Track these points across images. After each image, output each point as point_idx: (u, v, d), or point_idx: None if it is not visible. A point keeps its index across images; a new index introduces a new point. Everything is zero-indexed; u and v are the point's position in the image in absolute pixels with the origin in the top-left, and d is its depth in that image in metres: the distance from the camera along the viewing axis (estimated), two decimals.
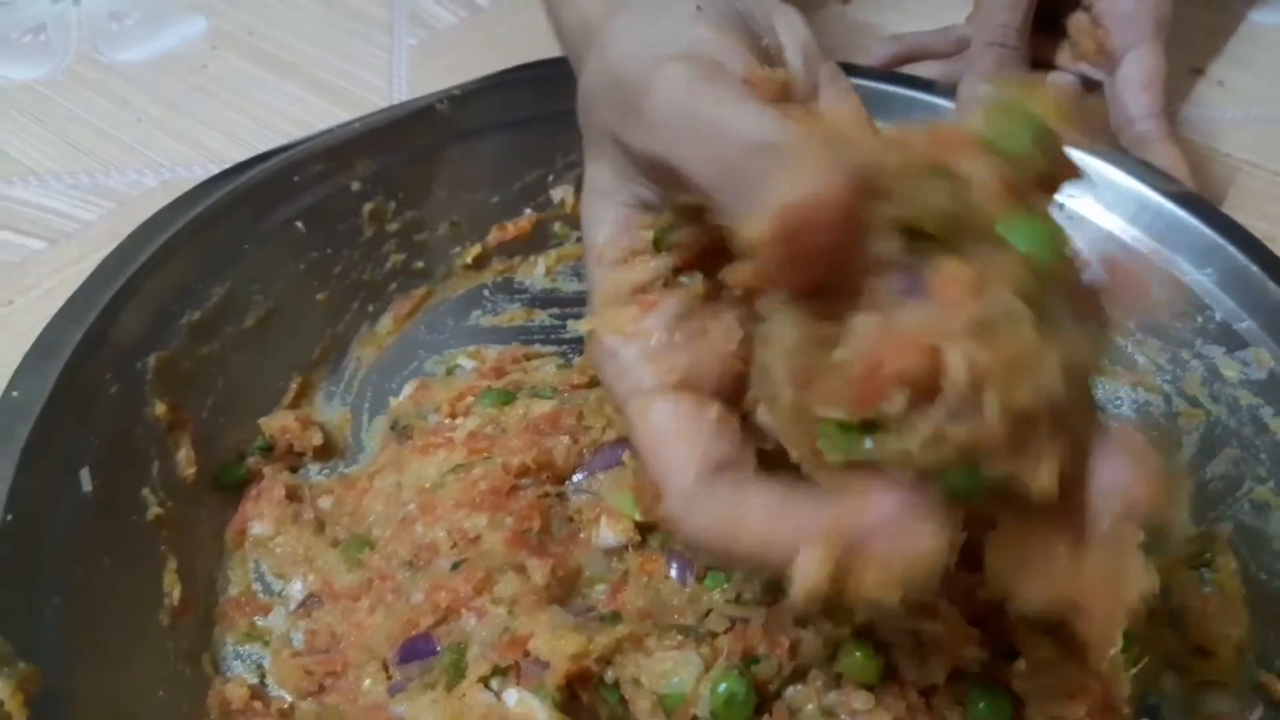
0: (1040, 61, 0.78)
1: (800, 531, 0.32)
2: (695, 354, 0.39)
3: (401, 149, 0.69)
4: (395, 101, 0.84)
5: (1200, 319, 0.63)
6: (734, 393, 0.39)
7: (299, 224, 0.65)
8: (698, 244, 0.39)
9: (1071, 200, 0.68)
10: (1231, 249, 0.63)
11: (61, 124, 0.87)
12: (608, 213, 0.41)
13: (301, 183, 0.66)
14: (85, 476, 0.53)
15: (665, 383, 0.38)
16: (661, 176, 0.38)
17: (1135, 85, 0.74)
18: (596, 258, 0.41)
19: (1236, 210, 0.65)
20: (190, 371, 0.60)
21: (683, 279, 0.40)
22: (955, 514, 0.32)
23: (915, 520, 0.31)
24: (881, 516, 0.31)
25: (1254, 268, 0.61)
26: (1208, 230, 0.64)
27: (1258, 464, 0.59)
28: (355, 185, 0.67)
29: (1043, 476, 0.31)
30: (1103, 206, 0.68)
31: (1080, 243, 0.39)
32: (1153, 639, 0.55)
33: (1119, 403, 0.67)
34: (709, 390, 0.38)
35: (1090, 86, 0.79)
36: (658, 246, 0.40)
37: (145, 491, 0.55)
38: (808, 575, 0.31)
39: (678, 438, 0.37)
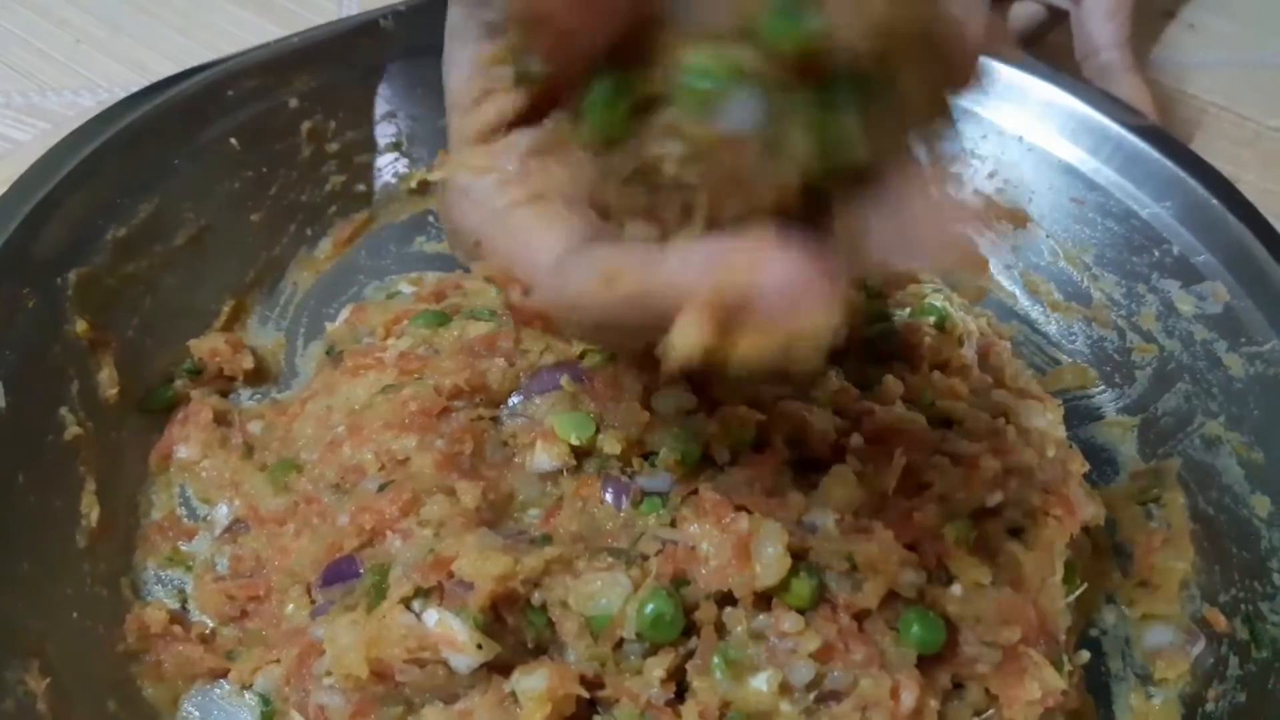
0: None
1: (683, 278, 0.30)
2: (548, 177, 0.37)
3: (342, 66, 0.67)
4: None
5: (1157, 252, 0.62)
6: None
7: (233, 141, 0.63)
8: (552, 78, 0.36)
9: (1032, 132, 0.67)
10: (1192, 182, 0.61)
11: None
12: (462, 53, 0.39)
13: (236, 98, 0.63)
14: None
15: (522, 198, 0.37)
16: None
17: (1100, 14, 0.72)
18: (451, 103, 0.40)
19: (1203, 152, 0.64)
20: (114, 290, 0.57)
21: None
22: (848, 293, 0.29)
23: (810, 289, 0.28)
24: (775, 278, 0.28)
25: (1214, 201, 0.60)
26: (1168, 163, 0.63)
27: (1210, 399, 0.58)
28: (293, 102, 0.65)
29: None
30: (1064, 138, 0.66)
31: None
32: (1096, 571, 0.55)
33: (1073, 338, 0.66)
34: (555, 203, 0.37)
35: (1057, 17, 0.77)
36: (518, 81, 0.38)
37: (63, 411, 0.53)
38: (688, 336, 0.29)
39: (538, 228, 0.36)
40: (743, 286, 0.29)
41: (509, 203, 0.37)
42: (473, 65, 0.39)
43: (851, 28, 0.29)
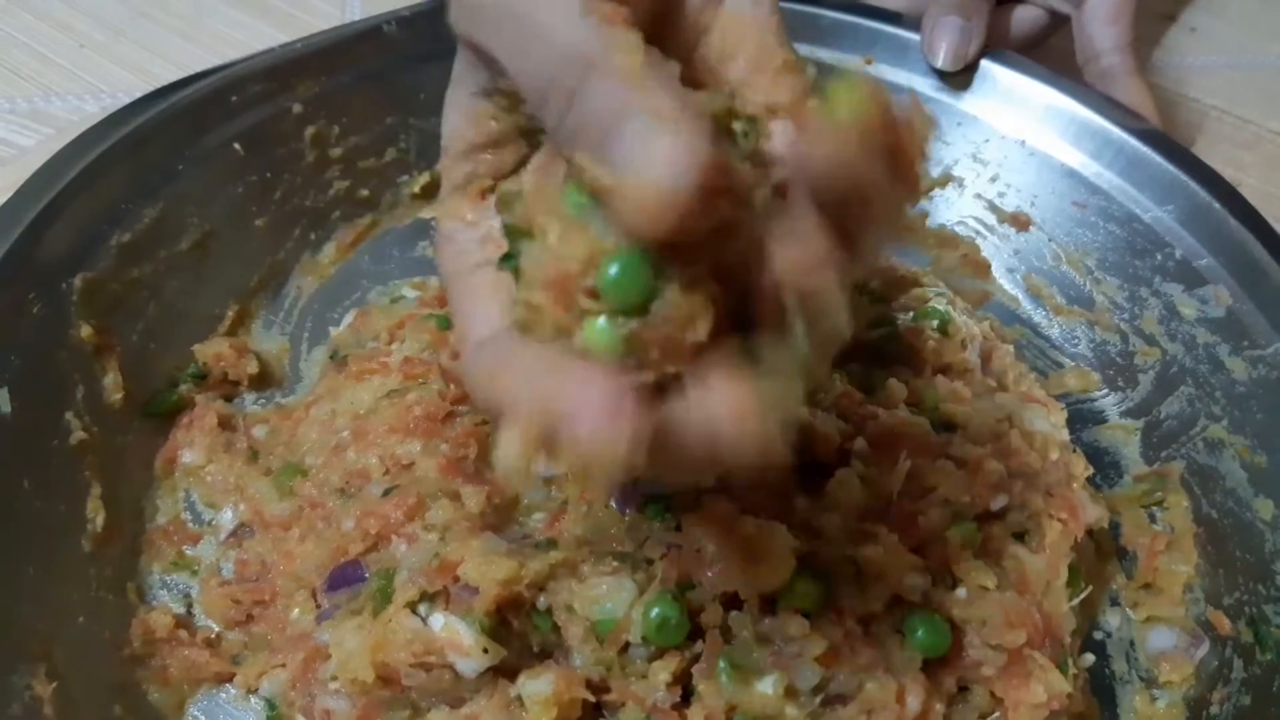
0: None
1: (516, 392, 0.32)
2: None
3: (346, 71, 0.67)
4: None
5: (1160, 256, 0.62)
6: None
7: (237, 146, 0.63)
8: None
9: (1034, 137, 0.67)
10: (1194, 185, 0.62)
11: (2, 48, 0.84)
12: (459, 101, 0.39)
13: (240, 103, 0.64)
14: (4, 397, 0.51)
15: (485, 260, 0.38)
16: (485, 60, 0.37)
17: (1102, 18, 0.72)
18: (444, 148, 0.40)
19: (1205, 156, 0.64)
20: (119, 294, 0.58)
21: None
22: (652, 415, 0.31)
23: (609, 416, 0.30)
24: (578, 404, 0.30)
25: (1216, 205, 0.60)
26: (1170, 166, 0.63)
27: (1212, 402, 0.58)
28: (297, 108, 0.65)
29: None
30: (1066, 142, 0.66)
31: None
32: (1100, 574, 0.55)
33: (1076, 341, 0.66)
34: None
35: (1058, 20, 0.77)
36: (500, 143, 0.39)
37: (69, 415, 0.53)
38: (504, 448, 0.31)
39: (485, 298, 0.37)
40: (554, 411, 0.31)
41: (477, 262, 0.38)
42: (466, 116, 0.39)
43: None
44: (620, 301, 0.30)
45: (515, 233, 0.34)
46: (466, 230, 0.39)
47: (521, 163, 0.39)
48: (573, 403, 0.30)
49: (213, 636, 0.52)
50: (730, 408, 0.31)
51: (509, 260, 0.34)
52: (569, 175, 0.32)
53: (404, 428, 0.52)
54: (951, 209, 0.71)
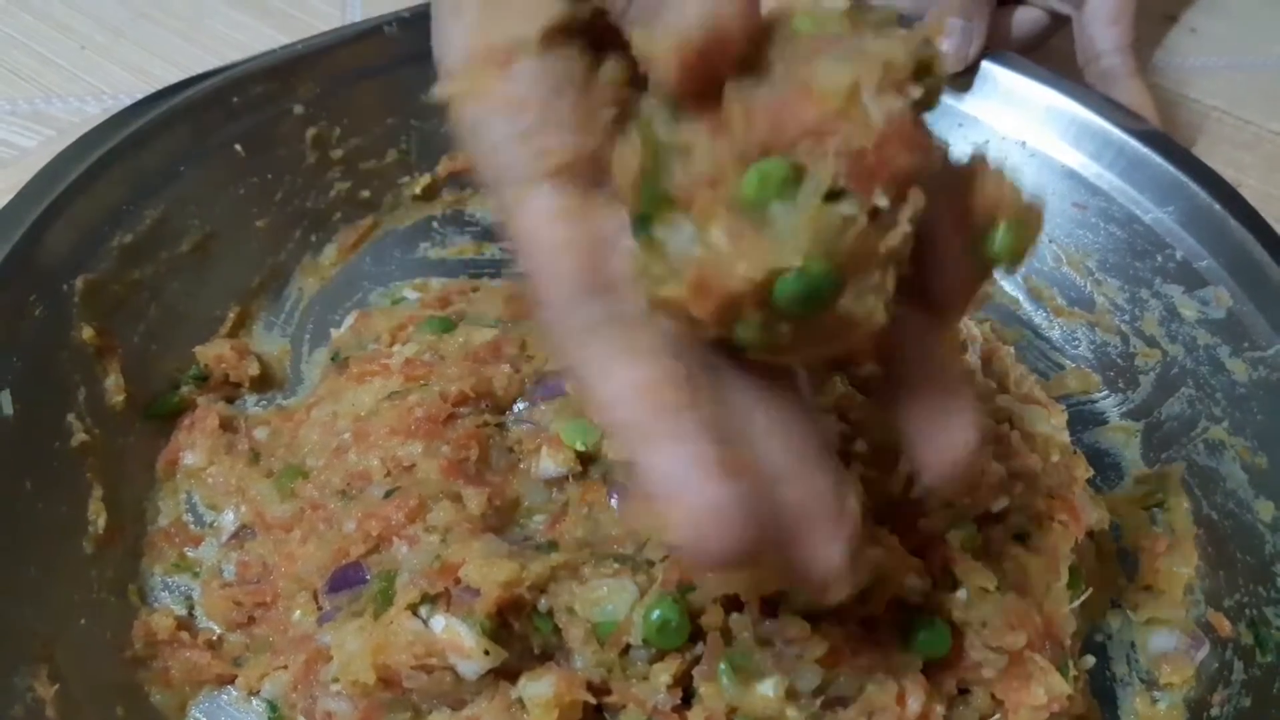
0: None
1: (621, 424, 0.31)
2: (576, 135, 0.32)
3: (347, 73, 0.67)
4: None
5: (1160, 257, 0.62)
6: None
7: (238, 147, 0.63)
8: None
9: (1035, 138, 0.67)
10: (1194, 187, 0.62)
11: (2, 50, 0.84)
12: None
13: (241, 104, 0.64)
14: (6, 399, 0.51)
15: (542, 169, 0.32)
16: None
17: (1102, 19, 0.72)
18: (456, 3, 0.33)
19: (1205, 157, 0.64)
20: (121, 296, 0.58)
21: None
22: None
23: (727, 524, 0.29)
24: (686, 492, 0.29)
25: (1216, 206, 0.60)
26: (1170, 168, 0.63)
27: (1213, 404, 0.58)
28: (298, 109, 0.65)
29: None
30: (1066, 143, 0.67)
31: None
32: (1100, 576, 0.55)
33: (1077, 343, 0.66)
34: (594, 177, 0.32)
35: (1059, 21, 0.77)
36: None
37: (70, 417, 0.53)
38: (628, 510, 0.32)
39: (562, 239, 0.32)
40: (662, 482, 0.30)
41: (530, 172, 0.32)
42: None
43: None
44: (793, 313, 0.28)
45: (657, 198, 0.29)
46: (496, 121, 0.32)
47: (568, 23, 0.32)
48: (681, 487, 0.29)
49: (214, 638, 0.52)
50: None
51: (643, 228, 0.30)
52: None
53: (405, 429, 0.52)
54: None
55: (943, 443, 0.33)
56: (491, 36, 0.32)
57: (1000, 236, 0.33)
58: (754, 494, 0.30)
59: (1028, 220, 0.33)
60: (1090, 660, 0.52)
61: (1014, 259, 0.33)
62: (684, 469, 0.29)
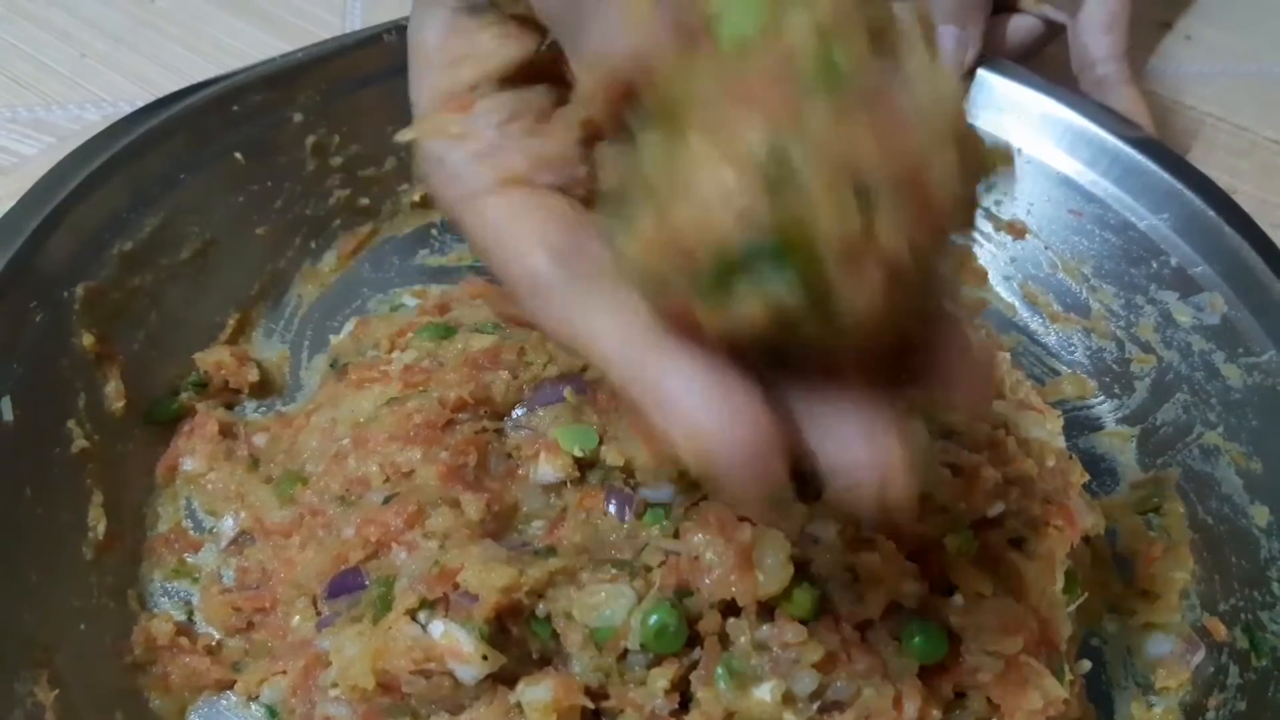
0: (1003, 5, 0.77)
1: (619, 370, 0.30)
2: (530, 153, 0.34)
3: (346, 81, 0.67)
4: None
5: (1155, 264, 0.62)
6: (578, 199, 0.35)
7: (238, 155, 0.63)
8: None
9: (1030, 145, 0.67)
10: (1189, 194, 0.62)
11: (2, 57, 0.84)
12: (436, 17, 0.36)
13: (241, 112, 0.64)
14: (6, 406, 0.51)
15: (497, 180, 0.34)
16: None
17: (1097, 27, 0.72)
18: (423, 61, 0.36)
19: (1200, 163, 0.64)
20: (121, 303, 0.58)
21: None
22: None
23: (752, 448, 0.29)
24: (706, 422, 0.29)
25: (1210, 212, 0.61)
26: (1165, 175, 0.63)
27: (1208, 409, 0.58)
28: (297, 117, 0.65)
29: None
30: (1061, 150, 0.67)
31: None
32: (1096, 581, 0.55)
33: (1072, 349, 0.66)
34: (548, 187, 0.34)
35: (1054, 30, 0.78)
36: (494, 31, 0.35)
37: (71, 423, 0.53)
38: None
39: (519, 223, 0.33)
40: (676, 420, 0.29)
41: (485, 185, 0.34)
42: (448, 27, 0.36)
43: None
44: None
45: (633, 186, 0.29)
46: (454, 148, 0.34)
47: (517, 68, 0.35)
48: (699, 419, 0.29)
49: (214, 644, 0.52)
50: (885, 461, 0.29)
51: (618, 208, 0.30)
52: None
53: (404, 436, 0.52)
54: None
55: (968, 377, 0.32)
56: (454, 84, 0.35)
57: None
58: (768, 404, 0.29)
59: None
60: (1086, 665, 0.52)
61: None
62: (698, 391, 0.29)
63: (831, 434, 0.30)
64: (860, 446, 0.30)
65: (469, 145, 0.34)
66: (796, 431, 0.31)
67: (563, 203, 0.34)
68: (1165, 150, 0.65)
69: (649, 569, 0.46)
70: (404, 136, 0.36)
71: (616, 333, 0.31)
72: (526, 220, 0.33)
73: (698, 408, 0.29)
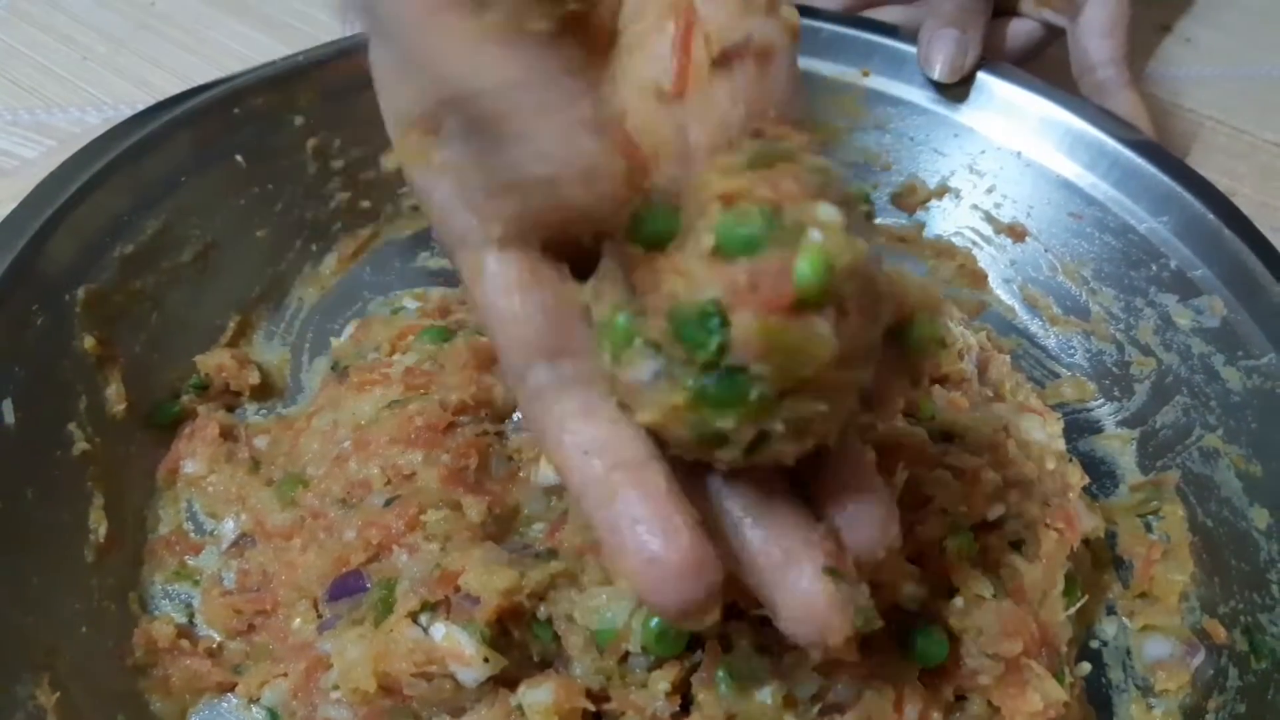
0: (1003, 9, 0.77)
1: (583, 484, 0.33)
2: (516, 196, 0.32)
3: (347, 84, 0.67)
4: None
5: (1155, 267, 0.62)
6: (569, 240, 0.34)
7: (239, 158, 0.64)
8: None
9: (1030, 148, 0.68)
10: (1188, 196, 0.62)
11: (3, 60, 0.85)
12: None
13: (242, 115, 0.64)
14: (8, 408, 0.51)
15: (490, 237, 0.33)
16: None
17: (1097, 31, 0.73)
18: (380, 83, 0.36)
19: (1199, 166, 0.65)
20: (122, 306, 0.58)
21: None
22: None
23: (688, 569, 0.31)
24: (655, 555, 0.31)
25: (1210, 215, 0.61)
26: (1164, 178, 0.63)
27: (1208, 411, 0.58)
28: (298, 120, 0.65)
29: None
30: (1061, 153, 0.67)
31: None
32: (1096, 583, 0.55)
33: (1072, 351, 0.66)
34: (541, 241, 0.34)
35: (1054, 34, 0.78)
36: None
37: (72, 426, 0.54)
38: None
39: (514, 304, 0.33)
40: (624, 537, 0.32)
41: (476, 239, 0.33)
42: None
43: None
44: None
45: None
46: (438, 185, 0.34)
47: None
48: (647, 541, 0.31)
49: (214, 646, 0.52)
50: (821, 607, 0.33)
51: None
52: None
53: (405, 438, 0.52)
54: (948, 219, 0.71)
55: (859, 537, 0.35)
56: (419, 105, 0.33)
57: (916, 330, 0.35)
58: (717, 542, 0.32)
59: (935, 308, 0.36)
60: (1086, 667, 0.53)
61: (932, 347, 0.36)
62: (649, 521, 0.31)
63: (768, 581, 0.34)
64: (797, 594, 0.33)
65: (451, 182, 0.33)
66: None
67: (554, 276, 0.34)
68: (1165, 153, 0.65)
69: None
70: (388, 163, 0.36)
71: (590, 444, 0.33)
72: (522, 303, 0.34)
73: (644, 537, 0.31)
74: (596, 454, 0.33)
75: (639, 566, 0.31)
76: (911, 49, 0.70)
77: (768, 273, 0.29)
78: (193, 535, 0.56)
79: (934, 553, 0.48)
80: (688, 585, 0.31)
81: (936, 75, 0.68)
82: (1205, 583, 0.55)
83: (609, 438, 0.33)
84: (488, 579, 0.45)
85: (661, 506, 0.32)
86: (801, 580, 0.33)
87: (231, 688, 0.51)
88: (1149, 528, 0.58)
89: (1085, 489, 0.56)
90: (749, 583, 0.34)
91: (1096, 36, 0.73)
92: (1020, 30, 0.78)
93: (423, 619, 0.45)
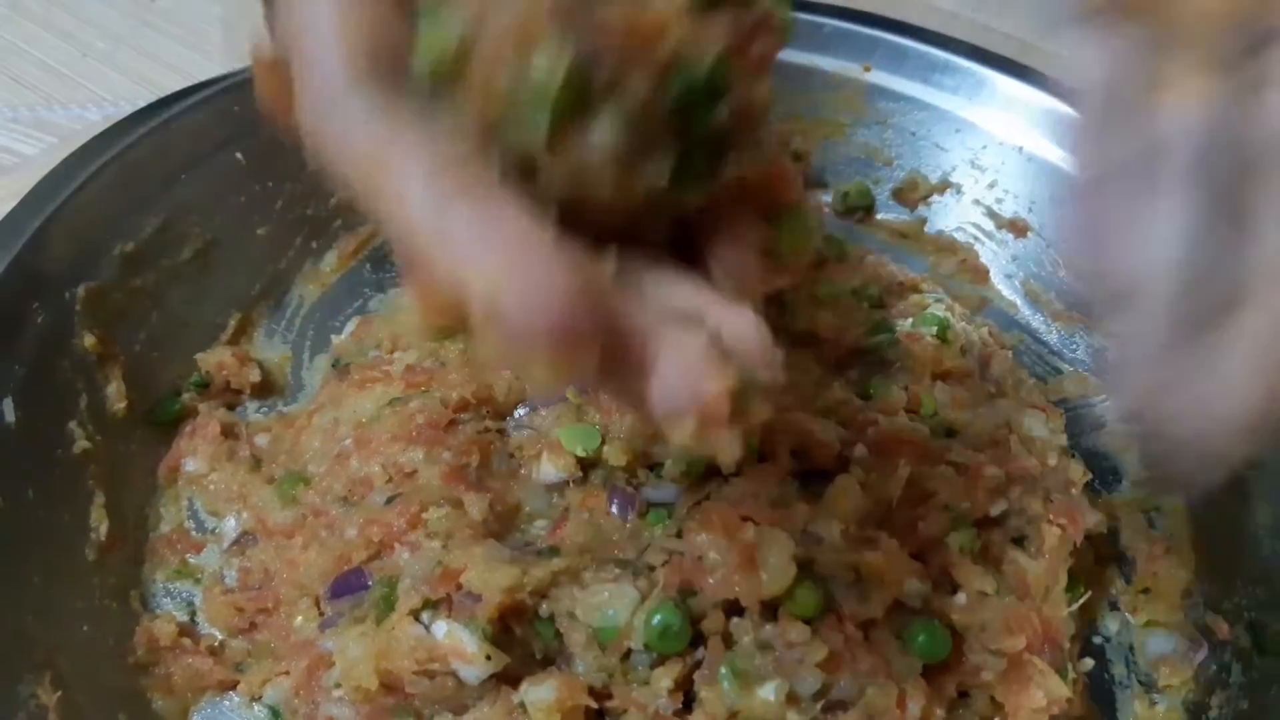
0: None
1: (407, 220, 0.27)
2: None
3: None
4: None
5: None
6: None
7: (239, 155, 0.63)
8: None
9: (1032, 142, 0.67)
10: None
11: (3, 57, 0.84)
12: None
13: (242, 112, 0.64)
14: (8, 407, 0.51)
15: (356, 74, 0.29)
16: None
17: None
18: None
19: None
20: (122, 304, 0.58)
21: None
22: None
23: (558, 309, 0.26)
24: (508, 273, 0.26)
25: None
26: None
27: None
28: None
29: None
30: (1064, 148, 0.66)
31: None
32: (1099, 579, 0.55)
33: (1074, 347, 0.66)
34: None
35: None
36: None
37: (72, 425, 0.53)
38: (409, 311, 0.28)
39: (333, 13, 0.29)
40: (475, 275, 0.26)
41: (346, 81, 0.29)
42: None
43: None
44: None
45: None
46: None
47: None
48: (500, 270, 0.26)
49: (216, 644, 0.52)
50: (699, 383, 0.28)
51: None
52: None
53: (406, 436, 0.52)
54: (950, 215, 0.71)
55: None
56: None
57: (788, 222, 0.35)
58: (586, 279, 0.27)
59: (809, 220, 0.35)
60: (1089, 663, 0.53)
61: (802, 243, 0.35)
62: (501, 236, 0.26)
63: (654, 338, 0.29)
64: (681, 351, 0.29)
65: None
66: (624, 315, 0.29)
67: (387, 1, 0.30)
68: None
69: (652, 569, 0.46)
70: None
71: (428, 167, 0.28)
72: (342, 11, 0.29)
73: (493, 250, 0.26)
74: (437, 173, 0.27)
75: (482, 279, 0.26)
76: (913, 44, 0.70)
77: None
78: (194, 533, 0.56)
79: (936, 549, 0.48)
80: (554, 299, 0.26)
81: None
82: (1208, 579, 0.55)
83: (453, 155, 0.28)
84: (489, 576, 0.45)
85: (524, 226, 0.27)
86: (686, 337, 0.29)
87: (233, 686, 0.51)
88: (1152, 523, 0.58)
89: (1088, 484, 0.55)
90: (630, 344, 0.29)
91: None
92: None
93: (425, 617, 0.45)
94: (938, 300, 0.66)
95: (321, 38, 0.29)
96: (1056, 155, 0.67)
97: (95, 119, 0.79)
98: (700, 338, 0.29)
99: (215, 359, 0.60)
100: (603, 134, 0.29)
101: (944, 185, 0.71)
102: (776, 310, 0.60)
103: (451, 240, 0.27)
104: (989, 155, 0.69)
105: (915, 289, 0.67)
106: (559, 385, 0.29)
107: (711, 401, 0.28)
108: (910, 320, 0.62)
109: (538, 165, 0.29)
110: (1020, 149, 0.68)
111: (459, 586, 0.45)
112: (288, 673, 0.49)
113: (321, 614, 0.50)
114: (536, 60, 0.28)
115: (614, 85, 0.28)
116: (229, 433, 0.59)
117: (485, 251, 0.26)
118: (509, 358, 0.27)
